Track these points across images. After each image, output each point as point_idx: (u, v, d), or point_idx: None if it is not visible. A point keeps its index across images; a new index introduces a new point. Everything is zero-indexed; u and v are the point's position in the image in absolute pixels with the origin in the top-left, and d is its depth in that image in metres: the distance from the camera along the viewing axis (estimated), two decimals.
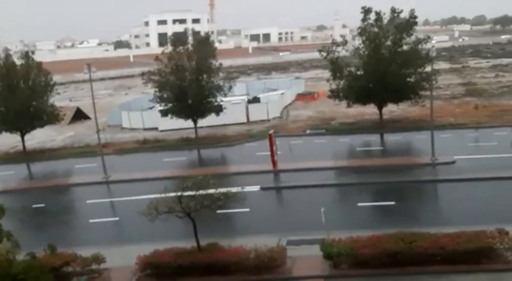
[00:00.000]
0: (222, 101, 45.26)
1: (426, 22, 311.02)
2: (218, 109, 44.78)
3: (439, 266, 18.23)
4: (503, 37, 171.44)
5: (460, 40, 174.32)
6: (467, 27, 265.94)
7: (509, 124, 41.10)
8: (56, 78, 52.25)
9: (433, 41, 65.89)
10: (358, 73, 44.20)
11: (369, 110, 46.83)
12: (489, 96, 55.66)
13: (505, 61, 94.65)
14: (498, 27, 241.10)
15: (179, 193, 19.98)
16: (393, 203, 25.65)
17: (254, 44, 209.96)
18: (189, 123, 44.83)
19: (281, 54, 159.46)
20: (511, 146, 33.03)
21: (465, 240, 18.59)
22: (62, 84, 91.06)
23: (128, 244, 22.58)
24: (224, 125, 48.59)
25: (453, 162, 32.16)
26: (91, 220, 26.96)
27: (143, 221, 19.82)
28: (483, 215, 22.60)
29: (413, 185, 28.89)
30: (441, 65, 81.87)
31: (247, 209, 24.96)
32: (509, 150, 33.17)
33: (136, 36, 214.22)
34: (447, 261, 18.22)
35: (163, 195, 20.19)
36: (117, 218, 27.50)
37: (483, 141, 36.96)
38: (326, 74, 47.90)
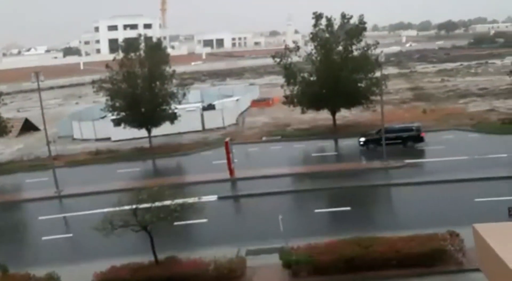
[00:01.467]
0: (176, 108, 44.79)
1: (375, 28, 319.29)
2: (173, 117, 44.16)
3: (395, 270, 18.63)
4: (439, 43, 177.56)
5: (407, 45, 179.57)
6: (413, 32, 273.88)
7: (455, 128, 42.54)
8: (2, 87, 50.72)
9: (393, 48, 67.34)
10: (311, 79, 44.85)
11: (323, 116, 47.50)
12: (436, 100, 57.57)
13: (450, 66, 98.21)
14: (442, 32, 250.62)
15: (134, 206, 19.68)
16: (349, 208, 26.05)
17: (208, 49, 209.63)
18: (143, 132, 44.14)
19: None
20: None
21: (419, 243, 19.13)
22: (8, 94, 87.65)
23: (84, 262, 21.97)
24: (179, 133, 48.03)
25: (404, 166, 32.99)
26: (44, 238, 26.07)
27: (98, 237, 19.37)
28: (435, 218, 23.27)
29: (367, 190, 29.42)
30: (390, 70, 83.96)
31: (205, 220, 24.76)
32: (456, 152, 34.32)
33: (86, 43, 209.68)
34: (402, 265, 18.64)
35: (117, 208, 19.83)
36: (71, 235, 26.69)
37: (432, 144, 37.99)
38: (281, 80, 48.29)
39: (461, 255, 18.77)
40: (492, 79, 71.35)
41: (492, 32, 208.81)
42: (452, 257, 18.96)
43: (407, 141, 37.90)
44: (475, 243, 4.91)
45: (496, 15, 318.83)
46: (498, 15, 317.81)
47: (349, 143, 41.34)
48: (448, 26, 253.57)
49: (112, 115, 44.80)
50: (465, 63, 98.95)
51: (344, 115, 48.84)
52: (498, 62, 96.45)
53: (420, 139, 38.11)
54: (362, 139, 38.86)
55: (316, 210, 26.22)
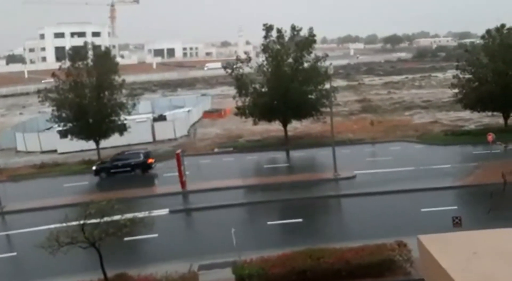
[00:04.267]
0: (125, 119, 44.02)
1: (324, 40, 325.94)
2: (122, 128, 43.33)
3: None
4: (394, 55, 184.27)
5: (355, 58, 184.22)
6: (360, 45, 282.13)
7: (401, 139, 43.86)
8: None
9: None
10: (263, 90, 45.19)
11: (274, 127, 47.85)
12: (383, 112, 59.36)
13: (395, 78, 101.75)
14: (388, 45, 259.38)
15: (81, 222, 19.10)
16: (300, 220, 26.22)
17: (158, 59, 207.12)
18: (91, 144, 43.06)
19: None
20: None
21: (368, 253, 19.42)
22: None
23: None
24: (129, 145, 47.08)
25: (354, 177, 33.56)
26: None
27: (44, 255, 18.56)
28: (383, 228, 23.75)
29: (318, 201, 29.74)
30: (339, 82, 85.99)
31: (156, 235, 24.28)
32: (403, 163, 35.33)
33: (31, 50, 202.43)
34: (352, 276, 18.88)
35: (64, 224, 19.16)
36: (14, 253, 25.47)
37: (380, 155, 39.03)
38: (232, 91, 48.25)
39: (408, 265, 19.15)
40: (435, 92, 74.54)
41: (434, 46, 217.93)
42: (401, 267, 19.36)
43: (134, 169, 37.65)
44: (420, 254, 5.07)
45: (437, 30, 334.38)
46: (439, 30, 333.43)
47: (300, 155, 41.83)
48: (393, 40, 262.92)
49: (59, 126, 43.59)
50: (410, 76, 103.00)
51: (295, 126, 49.47)
52: (440, 75, 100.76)
53: (148, 167, 37.84)
54: (94, 167, 38.19)
55: (269, 222, 26.25)
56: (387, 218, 25.53)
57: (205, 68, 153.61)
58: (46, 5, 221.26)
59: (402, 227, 23.14)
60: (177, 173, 32.87)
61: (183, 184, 32.76)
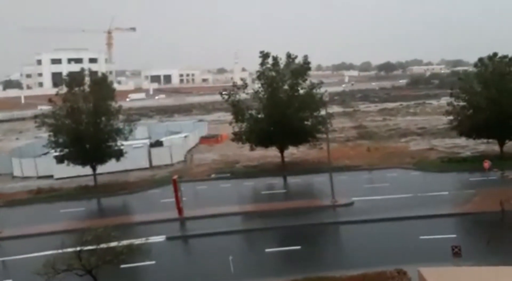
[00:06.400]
0: (122, 145, 43.85)
1: (319, 67, 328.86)
2: (119, 154, 43.17)
3: None
4: (380, 83, 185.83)
5: (350, 85, 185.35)
6: (355, 72, 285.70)
7: (398, 166, 43.80)
8: None
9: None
10: (259, 116, 45.07)
11: (271, 153, 47.72)
12: (379, 138, 59.35)
13: (390, 105, 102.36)
14: (382, 73, 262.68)
15: (78, 248, 19.00)
16: (299, 247, 26.01)
17: (155, 85, 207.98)
18: (88, 170, 42.87)
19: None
20: None
21: None
22: None
23: None
24: (126, 171, 46.92)
25: (352, 204, 33.41)
26: None
27: None
28: (382, 256, 23.58)
29: (317, 228, 29.54)
30: (335, 108, 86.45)
31: (153, 262, 24.01)
32: (400, 190, 35.29)
33: (28, 76, 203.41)
34: None
35: (60, 251, 19.03)
36: (10, 280, 24.97)
37: (377, 182, 38.83)
38: (229, 116, 48.40)
39: None
40: (429, 119, 75.04)
41: (427, 73, 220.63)
42: None
43: None
44: None
45: (430, 57, 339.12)
46: (432, 58, 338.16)
47: (297, 181, 41.60)
48: (387, 67, 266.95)
49: (55, 151, 43.40)
50: (405, 103, 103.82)
51: (292, 152, 49.38)
52: (434, 102, 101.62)
53: None
54: None
55: (267, 250, 25.98)
56: (386, 245, 25.39)
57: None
58: (43, 32, 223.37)
59: (402, 255, 23.03)
60: (173, 199, 32.57)
61: (180, 210, 32.53)
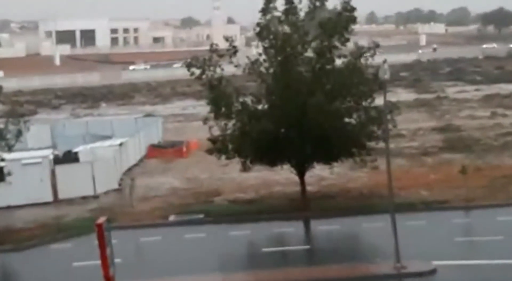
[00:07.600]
0: (2, 160, 31.94)
1: (373, 19, 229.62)
2: None
3: None
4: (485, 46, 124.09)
5: (430, 50, 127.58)
6: (439, 27, 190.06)
7: None
8: None
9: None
10: (259, 107, 31.78)
11: (282, 176, 33.51)
12: (483, 150, 41.08)
13: (504, 88, 73.04)
14: (490, 28, 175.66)
15: None
16: None
17: (66, 49, 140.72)
18: None
19: (131, 67, 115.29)
20: None
21: None
22: None
23: None
24: (9, 207, 32.44)
25: (432, 272, 24.07)
26: None
27: None
28: None
29: None
30: (401, 95, 64.88)
31: None
32: None
33: None
34: None
35: None
36: None
37: (480, 232, 27.94)
38: (202, 108, 36.61)
39: None
40: None
41: None
42: None
43: None
44: None
45: None
46: None
47: (330, 228, 29.16)
48: (499, 18, 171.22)
49: None
50: None
51: (321, 175, 34.51)
52: None
53: None
54: None
55: None
56: None
57: (131, 68, 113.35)
58: None
59: None
60: (97, 261, 21.84)
61: (108, 280, 21.80)
